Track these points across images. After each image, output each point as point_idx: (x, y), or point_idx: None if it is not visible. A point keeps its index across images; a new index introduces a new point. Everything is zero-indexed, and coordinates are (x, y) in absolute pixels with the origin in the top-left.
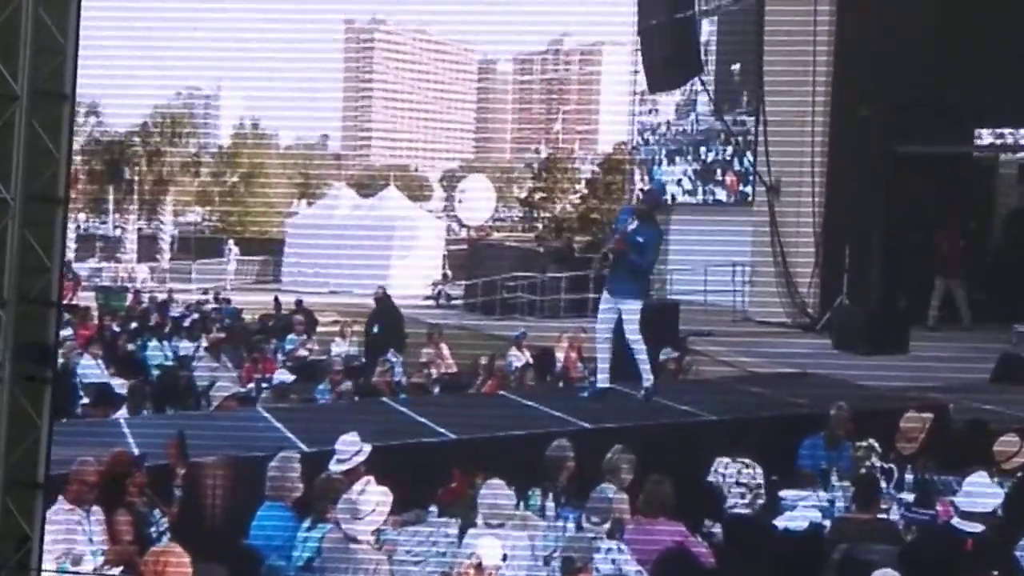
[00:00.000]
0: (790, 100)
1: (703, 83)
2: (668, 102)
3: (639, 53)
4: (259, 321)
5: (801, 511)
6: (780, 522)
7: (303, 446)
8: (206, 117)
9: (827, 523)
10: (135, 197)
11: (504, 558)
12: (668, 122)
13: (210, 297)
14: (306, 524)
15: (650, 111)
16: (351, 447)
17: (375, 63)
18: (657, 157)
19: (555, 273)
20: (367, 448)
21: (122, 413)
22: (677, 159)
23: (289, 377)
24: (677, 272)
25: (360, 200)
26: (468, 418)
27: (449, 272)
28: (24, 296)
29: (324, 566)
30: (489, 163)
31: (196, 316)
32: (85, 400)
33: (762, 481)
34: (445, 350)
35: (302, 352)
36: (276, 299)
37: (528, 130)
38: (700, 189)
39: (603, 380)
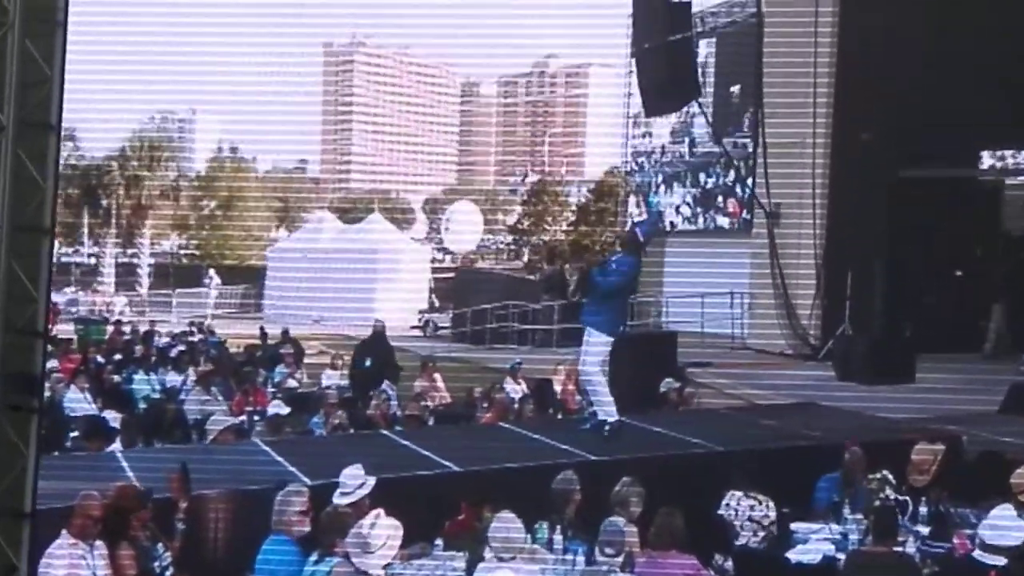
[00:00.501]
0: (790, 124)
1: (701, 106)
2: (663, 125)
3: (633, 76)
4: (245, 352)
5: (814, 544)
6: (793, 555)
7: (305, 479)
8: (183, 142)
9: (840, 556)
10: (112, 224)
11: None
12: (663, 146)
13: (194, 328)
14: (313, 558)
15: (644, 135)
16: (355, 480)
17: (355, 86)
18: (654, 183)
19: (547, 302)
20: (371, 481)
21: (115, 446)
22: (675, 185)
23: (284, 409)
24: (673, 300)
25: (344, 227)
26: (470, 450)
27: (436, 301)
28: (10, 326)
29: None
30: (473, 188)
31: (183, 347)
32: (76, 433)
33: (775, 517)
34: (439, 381)
35: (291, 383)
36: (262, 329)
37: (513, 154)
38: (701, 216)
39: (605, 413)
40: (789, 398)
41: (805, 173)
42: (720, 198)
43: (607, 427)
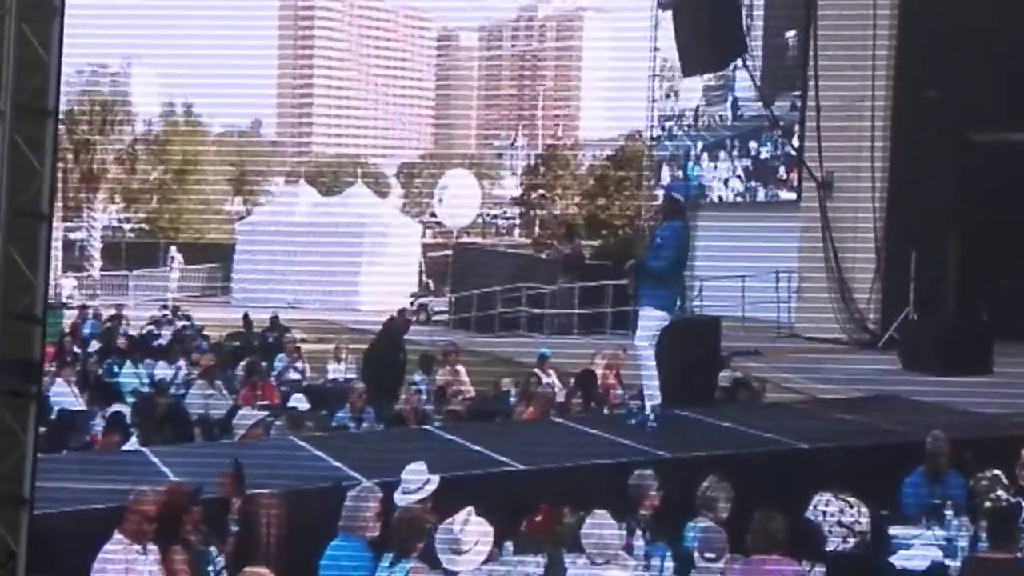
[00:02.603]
0: (845, 81)
1: (746, 64)
2: (691, 85)
3: (665, 29)
4: (227, 340)
5: (920, 550)
6: (897, 561)
7: (359, 476)
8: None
9: (950, 563)
10: (59, 196)
11: None
12: (698, 108)
13: (168, 313)
14: (387, 560)
15: (667, 95)
16: (419, 478)
17: (316, 37)
18: (693, 151)
19: (565, 283)
20: (435, 479)
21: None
22: (720, 154)
23: (304, 404)
24: (708, 282)
25: (322, 199)
26: (527, 447)
27: (430, 282)
28: (8, 312)
29: None
30: (454, 153)
31: (170, 337)
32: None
33: (867, 524)
34: (462, 372)
35: (292, 375)
36: (246, 316)
37: (498, 114)
38: (758, 190)
39: (649, 396)
40: (849, 390)
41: (863, 137)
42: (782, 169)
43: (651, 414)
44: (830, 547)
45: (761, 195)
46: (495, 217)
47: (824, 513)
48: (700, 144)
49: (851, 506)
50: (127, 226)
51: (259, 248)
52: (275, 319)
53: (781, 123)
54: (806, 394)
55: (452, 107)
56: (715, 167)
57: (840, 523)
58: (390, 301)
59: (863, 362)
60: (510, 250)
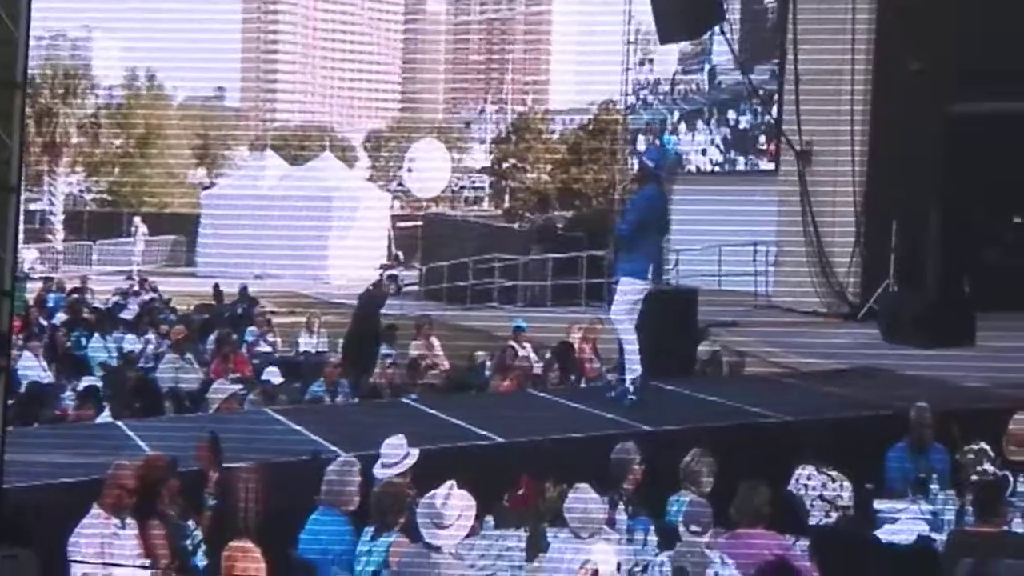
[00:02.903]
0: (825, 49)
1: (724, 32)
2: (666, 52)
3: None
4: (195, 311)
5: (906, 524)
6: (883, 535)
7: (336, 449)
8: (83, 67)
9: (937, 536)
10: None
11: (619, 567)
12: (674, 77)
13: (134, 284)
14: (368, 533)
15: (641, 62)
16: (398, 451)
17: (280, 4)
18: (669, 121)
19: (538, 254)
20: (415, 452)
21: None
22: (698, 123)
23: (278, 378)
24: (685, 253)
25: (290, 168)
26: (505, 420)
27: (400, 254)
28: None
29: None
30: (422, 123)
31: (138, 309)
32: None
33: (850, 498)
34: (436, 345)
35: (264, 348)
36: (216, 287)
37: (466, 82)
38: (737, 160)
39: (629, 369)
40: (829, 362)
41: (842, 106)
42: (762, 139)
43: (631, 386)
44: (812, 521)
45: (741, 165)
46: (463, 187)
47: (806, 487)
48: (676, 113)
49: (833, 480)
50: (89, 196)
51: (225, 218)
52: (244, 290)
53: (760, 92)
54: (785, 367)
55: (420, 75)
56: (692, 137)
57: (822, 497)
58: (359, 272)
59: (843, 334)
60: (482, 221)
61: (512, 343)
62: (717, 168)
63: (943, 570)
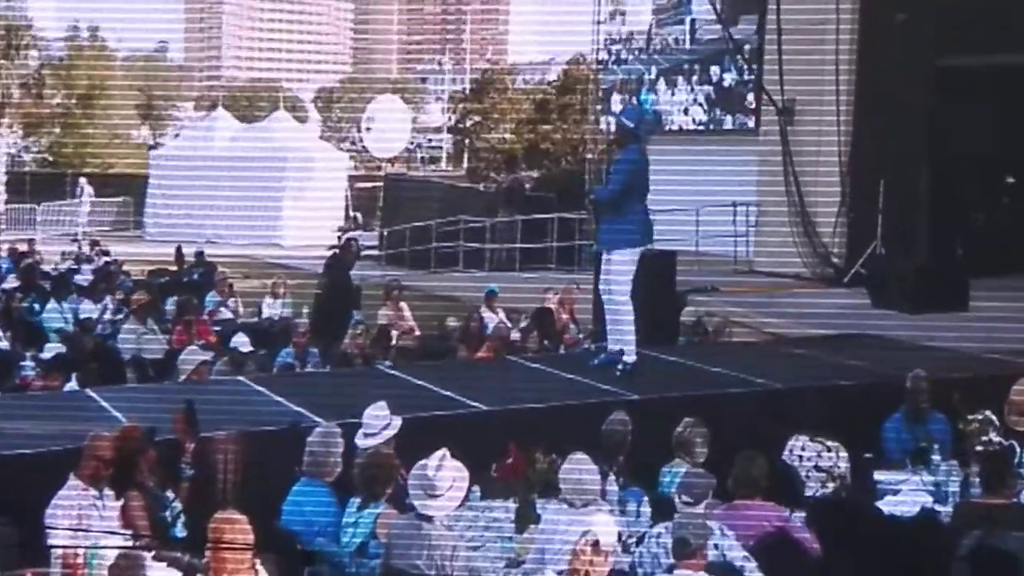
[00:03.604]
0: (808, 1)
1: None
2: (640, 3)
3: None
4: (151, 276)
5: (908, 495)
6: (884, 507)
7: (316, 418)
8: (32, 24)
9: (940, 508)
10: None
11: (619, 537)
12: (650, 30)
13: (84, 248)
14: (354, 504)
15: (612, 14)
16: (380, 420)
17: None
18: (646, 77)
19: (506, 216)
20: (397, 421)
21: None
22: (679, 80)
23: (246, 346)
24: (660, 215)
25: (242, 127)
26: (488, 387)
27: (358, 216)
28: None
29: (391, 551)
30: (376, 78)
31: (93, 273)
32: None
33: (847, 468)
34: (406, 310)
35: (226, 314)
36: (179, 250)
37: (421, 35)
38: (724, 118)
39: (614, 341)
40: (815, 328)
41: (826, 61)
42: (750, 97)
43: (625, 365)
44: (808, 492)
45: (729, 124)
46: (418, 146)
47: (801, 457)
48: (654, 69)
49: (829, 449)
50: (27, 156)
51: (174, 179)
52: (200, 255)
53: (746, 46)
54: (768, 333)
55: (372, 27)
56: (672, 94)
57: (818, 467)
58: (315, 235)
59: (828, 299)
60: (445, 182)
61: (482, 309)
62: (701, 128)
63: (949, 542)
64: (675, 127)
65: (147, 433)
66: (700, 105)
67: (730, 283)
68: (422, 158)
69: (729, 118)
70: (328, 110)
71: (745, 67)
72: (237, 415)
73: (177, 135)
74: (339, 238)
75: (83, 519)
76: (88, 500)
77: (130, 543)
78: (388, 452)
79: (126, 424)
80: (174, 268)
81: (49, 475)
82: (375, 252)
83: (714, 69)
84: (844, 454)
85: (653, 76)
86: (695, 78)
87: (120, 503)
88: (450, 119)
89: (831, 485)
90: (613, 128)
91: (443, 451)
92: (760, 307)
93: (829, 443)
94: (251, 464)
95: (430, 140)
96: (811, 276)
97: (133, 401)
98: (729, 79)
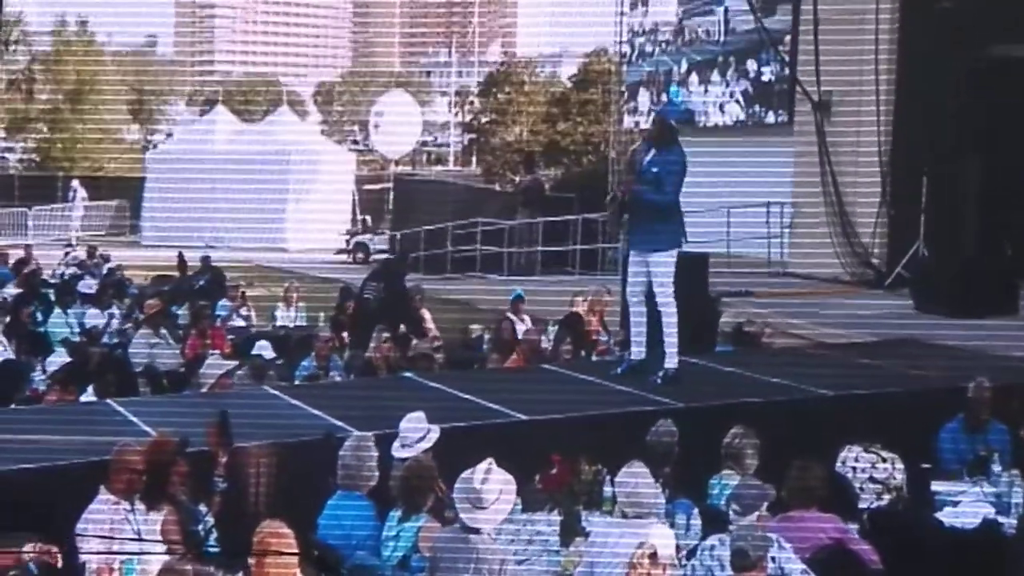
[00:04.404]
0: None
1: None
2: None
3: None
4: (152, 284)
5: (969, 506)
6: (945, 519)
7: (352, 429)
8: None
9: (1003, 520)
10: None
11: (677, 549)
12: (680, 22)
13: (81, 253)
14: (395, 516)
15: (634, 4)
16: (418, 430)
17: None
18: (676, 71)
19: (525, 218)
20: (435, 431)
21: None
22: (712, 75)
23: (270, 353)
24: (689, 215)
25: (243, 126)
26: (524, 396)
27: (367, 218)
28: None
29: (436, 564)
30: (378, 71)
31: (99, 281)
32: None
33: (903, 479)
34: (428, 317)
35: (238, 322)
36: (180, 256)
37: (424, 26)
38: (766, 114)
39: (638, 353)
40: (856, 334)
41: (865, 51)
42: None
43: (665, 372)
44: (863, 504)
45: (772, 119)
46: (424, 144)
47: (854, 468)
48: (684, 63)
49: (883, 460)
50: (12, 156)
51: (172, 181)
52: (207, 260)
53: (787, 37)
54: (806, 339)
55: (373, 19)
56: (705, 90)
57: (873, 479)
58: (320, 239)
59: (869, 302)
60: (460, 182)
61: (510, 315)
62: (738, 124)
63: (1014, 554)
64: (709, 124)
65: (180, 444)
66: (737, 101)
67: (764, 287)
68: (428, 157)
69: (772, 114)
70: (328, 107)
71: (780, 60)
72: (269, 426)
73: (170, 134)
74: (347, 242)
75: (115, 533)
76: (120, 514)
77: (165, 558)
78: (428, 462)
79: (158, 435)
80: (177, 275)
81: (77, 488)
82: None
83: (751, 63)
84: (900, 464)
85: (683, 70)
86: (731, 72)
87: (152, 516)
88: (457, 115)
89: (887, 497)
90: (654, 125)
91: (489, 461)
92: (798, 312)
93: (884, 453)
94: (286, 476)
95: (435, 138)
96: (850, 279)
97: (158, 412)
98: (768, 73)
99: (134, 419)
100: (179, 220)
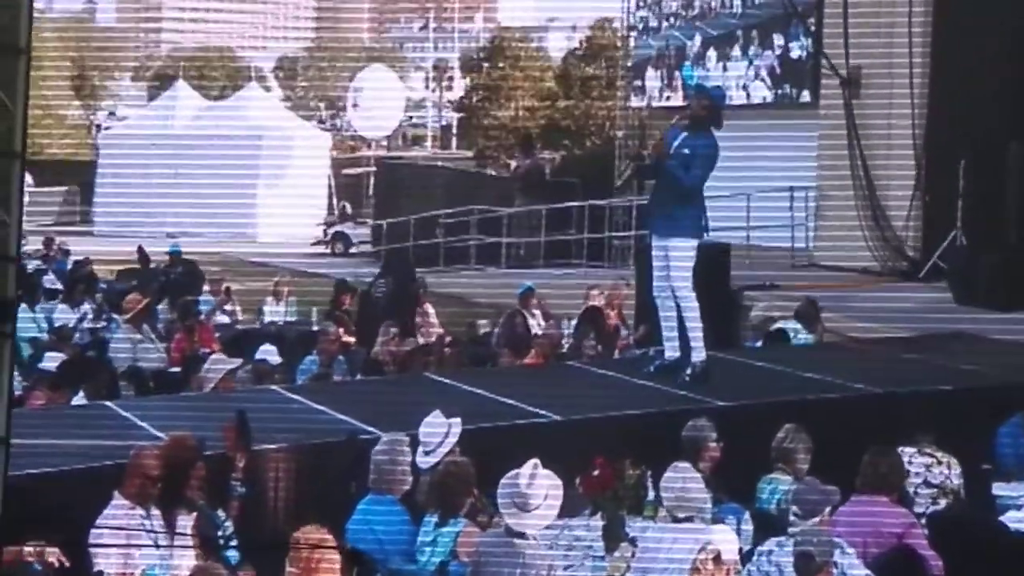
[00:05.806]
0: None
1: None
2: None
3: None
4: (120, 278)
5: None
6: (1009, 523)
7: (373, 430)
8: None
9: None
10: None
11: (741, 551)
12: None
13: (39, 246)
14: (431, 521)
15: None
16: (439, 431)
17: None
18: (689, 47)
19: (524, 205)
20: (456, 424)
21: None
22: (733, 51)
23: (276, 358)
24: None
25: (208, 103)
26: (551, 394)
27: (346, 206)
28: None
29: (479, 570)
30: (345, 45)
31: (67, 275)
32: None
33: (959, 483)
34: (431, 312)
35: (222, 318)
36: (141, 249)
37: None
38: (800, 93)
39: (672, 352)
40: (892, 328)
41: (897, 23)
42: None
43: (694, 366)
44: (919, 509)
45: (807, 97)
46: (399, 123)
47: (909, 471)
48: (699, 38)
49: (939, 462)
50: None
51: (128, 165)
52: (178, 253)
53: (802, 9)
54: (837, 333)
55: None
56: (724, 68)
57: (928, 482)
58: (294, 229)
59: (904, 295)
60: (451, 166)
61: (521, 309)
62: (761, 104)
63: None
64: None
65: (198, 445)
66: (762, 80)
67: (789, 278)
68: (403, 137)
69: (806, 93)
70: (291, 82)
71: (807, 33)
72: (286, 428)
73: (113, 113)
74: (325, 232)
75: (131, 539)
76: (136, 520)
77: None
78: (467, 466)
79: (175, 435)
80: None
81: (88, 494)
82: (370, 248)
83: (777, 38)
84: (956, 466)
85: (698, 45)
86: (753, 48)
87: (172, 521)
88: (435, 91)
89: (943, 501)
90: (695, 102)
91: (535, 462)
92: (825, 305)
93: (939, 455)
94: (307, 480)
95: (410, 117)
96: (881, 270)
97: (162, 415)
98: (797, 48)
99: (142, 423)
100: (136, 208)
